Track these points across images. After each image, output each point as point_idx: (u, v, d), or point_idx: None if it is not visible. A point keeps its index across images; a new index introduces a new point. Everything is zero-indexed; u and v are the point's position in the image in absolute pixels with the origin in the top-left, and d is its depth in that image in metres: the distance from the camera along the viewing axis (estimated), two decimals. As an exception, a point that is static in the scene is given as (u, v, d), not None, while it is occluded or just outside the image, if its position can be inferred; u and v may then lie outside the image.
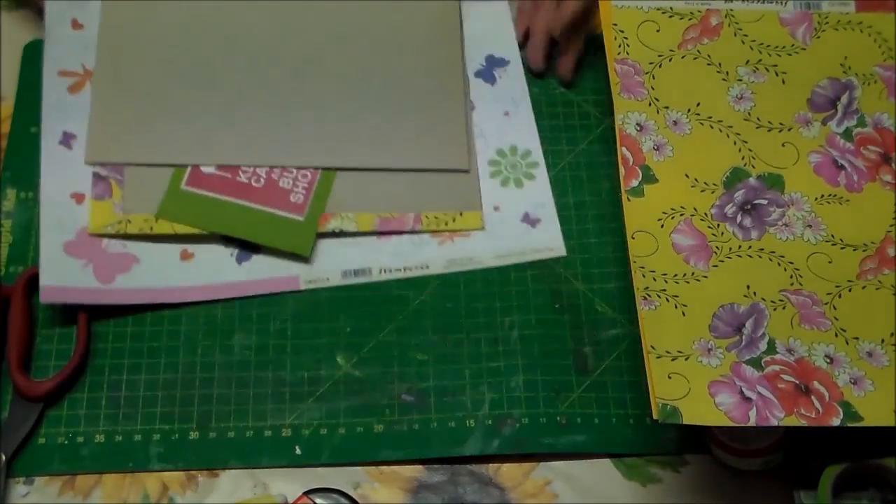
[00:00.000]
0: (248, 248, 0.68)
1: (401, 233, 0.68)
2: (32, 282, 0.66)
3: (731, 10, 0.71)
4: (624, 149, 0.65)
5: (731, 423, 0.55)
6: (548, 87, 0.75)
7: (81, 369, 0.64)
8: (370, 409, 0.64)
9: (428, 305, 0.67)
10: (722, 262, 0.62)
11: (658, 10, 0.70)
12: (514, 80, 0.75)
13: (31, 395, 0.62)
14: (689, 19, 0.70)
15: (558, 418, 0.63)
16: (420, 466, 0.63)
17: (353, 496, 0.60)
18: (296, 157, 0.69)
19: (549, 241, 0.69)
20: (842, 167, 0.66)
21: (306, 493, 0.59)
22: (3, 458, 0.61)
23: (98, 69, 0.71)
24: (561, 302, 0.67)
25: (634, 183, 0.64)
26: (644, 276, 0.61)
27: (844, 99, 0.68)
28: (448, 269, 0.68)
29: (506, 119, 0.73)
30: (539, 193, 0.71)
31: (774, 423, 0.56)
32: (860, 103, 0.68)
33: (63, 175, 0.67)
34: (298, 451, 0.62)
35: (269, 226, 0.67)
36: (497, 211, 0.70)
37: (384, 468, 0.63)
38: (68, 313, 0.66)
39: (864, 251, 0.63)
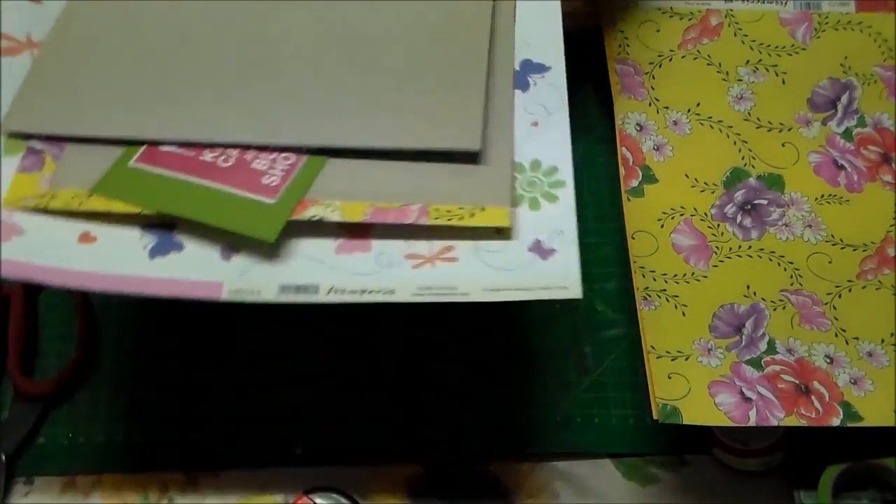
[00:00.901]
0: (168, 242, 0.53)
1: (399, 227, 0.54)
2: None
3: (731, 10, 0.71)
4: (624, 149, 0.65)
5: (731, 423, 0.55)
6: (548, 87, 0.75)
7: (81, 369, 0.64)
8: (370, 408, 0.64)
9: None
10: (722, 262, 0.62)
11: (658, 10, 0.70)
12: (552, 88, 0.61)
13: (31, 395, 0.62)
14: (689, 19, 0.70)
15: (558, 418, 0.63)
16: (420, 466, 0.63)
17: (353, 496, 0.60)
18: (274, 135, 0.55)
19: (562, 277, 0.52)
20: (842, 167, 0.66)
21: (306, 493, 0.59)
22: (3, 458, 0.61)
23: (51, 37, 0.59)
24: (561, 302, 0.67)
25: (634, 183, 0.64)
26: (644, 276, 0.61)
27: (844, 99, 0.68)
28: (418, 296, 0.51)
29: (532, 130, 0.58)
30: (560, 219, 0.55)
31: (774, 423, 0.56)
32: (860, 103, 0.68)
33: None
34: (298, 451, 0.62)
35: (228, 207, 0.52)
36: (500, 234, 0.54)
37: (384, 468, 0.63)
38: (69, 313, 0.66)
39: (864, 251, 0.63)
